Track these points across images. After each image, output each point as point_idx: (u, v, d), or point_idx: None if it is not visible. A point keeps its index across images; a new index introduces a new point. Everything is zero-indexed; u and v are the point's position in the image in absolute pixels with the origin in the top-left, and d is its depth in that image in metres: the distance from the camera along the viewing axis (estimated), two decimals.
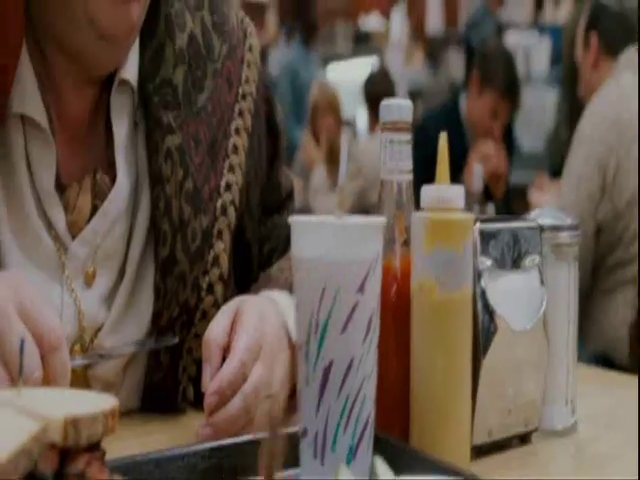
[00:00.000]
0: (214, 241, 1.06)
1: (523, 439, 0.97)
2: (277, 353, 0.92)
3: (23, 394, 0.63)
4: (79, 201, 1.01)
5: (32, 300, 0.78)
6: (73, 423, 0.58)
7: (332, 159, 4.52)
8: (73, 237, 1.00)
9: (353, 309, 0.76)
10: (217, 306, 1.02)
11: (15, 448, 0.53)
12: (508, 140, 3.60)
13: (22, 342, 0.63)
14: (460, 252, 0.85)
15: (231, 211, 1.08)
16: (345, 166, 0.88)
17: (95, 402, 0.62)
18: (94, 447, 0.61)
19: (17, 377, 0.70)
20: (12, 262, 0.96)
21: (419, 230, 0.86)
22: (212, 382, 0.87)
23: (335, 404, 0.76)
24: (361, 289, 0.76)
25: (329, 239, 0.75)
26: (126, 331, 1.03)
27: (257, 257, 1.17)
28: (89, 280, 1.01)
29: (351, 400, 0.76)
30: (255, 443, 0.77)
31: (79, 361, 0.92)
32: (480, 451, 0.92)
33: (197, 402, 1.04)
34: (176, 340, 1.01)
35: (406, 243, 0.91)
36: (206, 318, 1.01)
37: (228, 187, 1.08)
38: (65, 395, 0.67)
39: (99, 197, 1.02)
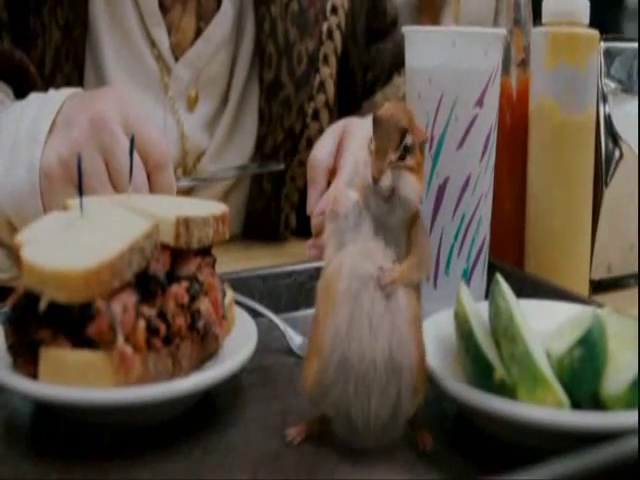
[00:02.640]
0: (320, 66, 1.03)
1: None
2: None
3: (134, 198, 0.61)
4: (183, 22, 0.99)
5: (137, 116, 0.75)
6: (184, 223, 0.56)
7: None
8: (176, 59, 0.99)
9: (471, 123, 0.71)
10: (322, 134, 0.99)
11: (128, 244, 0.51)
12: None
13: (132, 140, 0.61)
14: (584, 69, 0.79)
15: (337, 35, 1.04)
16: None
17: (205, 207, 0.61)
18: (205, 252, 0.60)
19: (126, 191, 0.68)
20: (115, 82, 0.95)
21: (540, 46, 0.80)
22: (319, 203, 0.84)
23: (450, 224, 0.73)
24: (480, 102, 0.71)
25: (447, 48, 0.70)
26: (229, 158, 1.02)
27: (360, 85, 1.13)
28: (191, 104, 1.00)
29: (467, 220, 0.73)
30: None
31: (184, 182, 0.91)
32: (598, 287, 0.87)
33: (299, 231, 1.02)
34: (281, 166, 0.99)
35: (523, 63, 0.85)
36: (311, 146, 0.98)
37: (334, 10, 1.04)
38: (175, 201, 0.66)
39: (204, 20, 1.00)
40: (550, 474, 0.42)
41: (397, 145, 0.51)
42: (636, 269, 0.89)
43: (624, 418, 0.49)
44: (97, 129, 0.72)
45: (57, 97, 0.77)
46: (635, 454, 0.44)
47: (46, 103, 0.76)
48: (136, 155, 0.72)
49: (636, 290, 0.88)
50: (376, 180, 0.51)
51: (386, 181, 0.51)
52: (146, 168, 0.74)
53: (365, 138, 0.53)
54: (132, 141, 0.61)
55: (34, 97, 0.79)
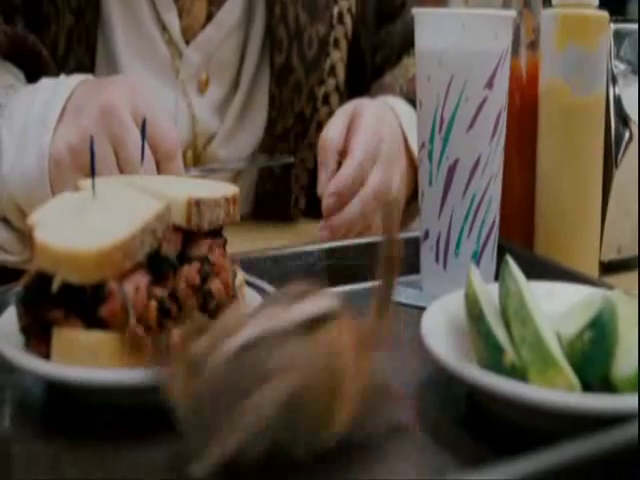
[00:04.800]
0: (330, 50, 1.03)
1: None
2: (395, 157, 0.89)
3: (146, 179, 0.62)
4: (194, 7, 0.99)
5: (148, 105, 0.75)
6: (196, 204, 0.56)
7: None
8: (187, 43, 0.99)
9: (481, 105, 0.71)
10: None
11: (139, 225, 0.51)
12: None
13: (144, 126, 0.61)
14: (593, 51, 0.79)
15: (348, 19, 1.04)
16: None
17: (216, 188, 0.61)
18: (216, 234, 0.60)
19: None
20: (126, 65, 0.95)
21: (550, 27, 0.80)
22: (330, 184, 0.85)
23: (460, 205, 0.73)
24: (489, 84, 0.71)
25: (457, 30, 0.70)
26: (239, 141, 1.02)
27: (370, 66, 1.13)
28: (202, 87, 1.00)
29: (477, 201, 0.73)
30: (373, 246, 0.75)
31: (193, 172, 0.91)
32: (608, 268, 0.87)
33: (309, 212, 1.03)
34: (291, 159, 1.00)
35: (533, 45, 0.85)
36: (320, 129, 0.98)
37: None
38: (186, 182, 0.66)
39: (215, 4, 1.00)
40: (548, 461, 0.42)
41: None
42: None
43: (635, 401, 0.49)
44: (107, 117, 0.72)
45: (68, 83, 0.77)
46: (636, 439, 0.44)
47: (57, 89, 0.76)
48: (146, 144, 0.72)
49: None
50: None
51: None
52: (155, 157, 0.74)
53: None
54: (144, 127, 0.61)
55: (45, 82, 0.79)
